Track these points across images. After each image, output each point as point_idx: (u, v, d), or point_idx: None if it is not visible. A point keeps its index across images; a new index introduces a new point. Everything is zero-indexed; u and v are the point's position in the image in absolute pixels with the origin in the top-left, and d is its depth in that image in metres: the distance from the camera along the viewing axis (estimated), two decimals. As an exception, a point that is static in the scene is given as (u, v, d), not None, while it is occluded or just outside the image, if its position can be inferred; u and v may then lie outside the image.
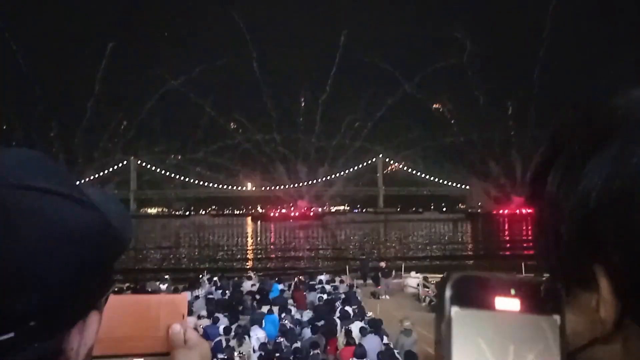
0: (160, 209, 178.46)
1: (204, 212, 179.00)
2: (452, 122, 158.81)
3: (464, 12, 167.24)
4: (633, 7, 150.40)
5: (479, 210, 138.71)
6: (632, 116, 0.44)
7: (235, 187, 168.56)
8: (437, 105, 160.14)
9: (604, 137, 0.44)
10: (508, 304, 0.43)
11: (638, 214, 0.40)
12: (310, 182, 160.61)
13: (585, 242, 0.44)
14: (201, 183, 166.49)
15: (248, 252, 53.07)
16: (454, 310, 0.42)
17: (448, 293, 0.43)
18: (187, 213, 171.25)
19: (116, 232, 0.67)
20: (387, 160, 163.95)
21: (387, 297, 21.55)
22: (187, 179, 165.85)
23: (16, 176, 0.58)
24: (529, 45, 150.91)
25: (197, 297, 17.96)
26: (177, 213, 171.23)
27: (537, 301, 0.42)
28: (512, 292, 0.43)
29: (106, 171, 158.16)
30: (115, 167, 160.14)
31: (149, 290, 18.99)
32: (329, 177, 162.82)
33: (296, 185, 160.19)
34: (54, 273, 0.55)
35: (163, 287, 19.91)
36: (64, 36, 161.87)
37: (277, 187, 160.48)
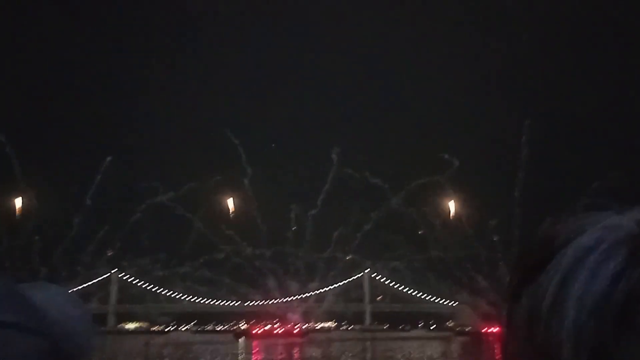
0: (139, 324, 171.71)
1: (184, 329, 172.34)
2: (437, 238, 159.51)
3: (449, 130, 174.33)
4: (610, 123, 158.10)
5: (467, 329, 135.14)
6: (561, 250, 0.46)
7: (221, 302, 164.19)
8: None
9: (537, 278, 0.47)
10: None
11: None
12: (296, 298, 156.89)
13: None
14: (186, 297, 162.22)
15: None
16: None
17: None
18: (167, 329, 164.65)
19: (66, 355, 0.64)
20: (373, 275, 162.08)
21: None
22: (172, 294, 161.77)
23: None
24: (509, 165, 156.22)
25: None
26: (155, 329, 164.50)
27: None
28: None
29: (88, 285, 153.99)
30: (96, 280, 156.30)
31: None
32: (315, 293, 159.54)
33: (282, 300, 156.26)
34: None
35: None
36: (59, 147, 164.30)
37: (263, 302, 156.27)
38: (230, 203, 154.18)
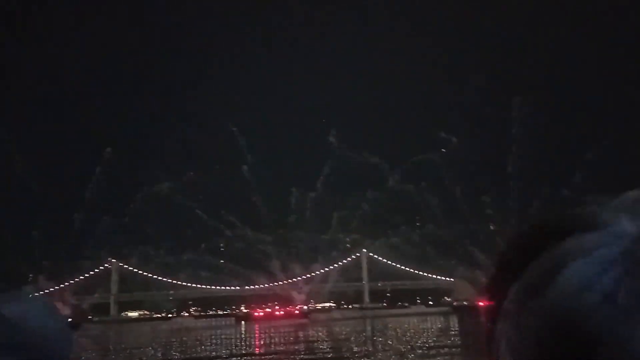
0: (142, 312, 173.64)
1: (186, 314, 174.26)
2: (437, 213, 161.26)
3: (444, 108, 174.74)
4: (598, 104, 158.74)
5: (464, 303, 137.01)
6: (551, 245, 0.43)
7: (223, 287, 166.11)
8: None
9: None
10: None
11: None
12: (295, 280, 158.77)
13: None
14: (189, 284, 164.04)
15: (232, 354, 51.50)
16: None
17: None
18: (169, 315, 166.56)
19: None
20: (371, 254, 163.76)
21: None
22: (175, 281, 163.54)
23: None
24: (502, 142, 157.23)
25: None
26: (157, 316, 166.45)
27: None
28: None
29: (89, 275, 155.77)
30: (97, 270, 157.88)
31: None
32: (314, 274, 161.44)
33: (283, 282, 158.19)
34: None
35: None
36: (60, 140, 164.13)
37: (264, 286, 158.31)
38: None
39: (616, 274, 0.40)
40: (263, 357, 46.10)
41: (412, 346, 48.42)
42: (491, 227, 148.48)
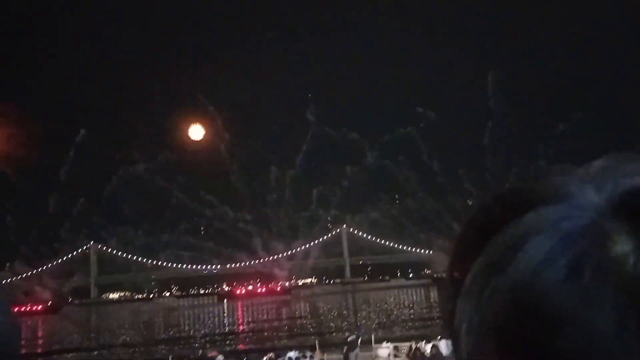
0: (123, 293, 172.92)
1: (168, 294, 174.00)
2: (415, 188, 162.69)
3: (421, 84, 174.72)
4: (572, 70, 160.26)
5: (444, 275, 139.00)
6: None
7: (204, 266, 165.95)
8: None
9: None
10: None
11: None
12: (276, 257, 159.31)
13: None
14: (170, 264, 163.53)
15: (215, 333, 51.62)
16: None
17: None
18: (151, 296, 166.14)
19: None
20: (351, 230, 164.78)
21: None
22: (155, 262, 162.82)
23: None
24: (478, 116, 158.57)
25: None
26: (139, 297, 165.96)
27: None
28: None
29: (67, 258, 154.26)
30: (75, 253, 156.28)
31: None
32: (295, 251, 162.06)
33: (263, 260, 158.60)
34: None
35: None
36: (34, 122, 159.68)
37: (245, 264, 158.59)
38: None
39: (580, 249, 0.38)
40: (247, 335, 46.25)
41: (393, 319, 49.06)
42: (469, 202, 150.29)
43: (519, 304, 0.38)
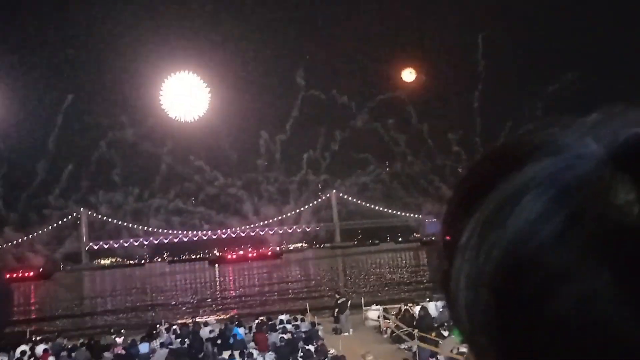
0: (115, 259, 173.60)
1: (159, 259, 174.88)
2: (404, 151, 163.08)
3: (411, 47, 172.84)
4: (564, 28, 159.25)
5: (432, 238, 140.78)
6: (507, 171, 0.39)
7: (194, 232, 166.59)
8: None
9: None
10: None
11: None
12: (267, 222, 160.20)
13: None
14: (160, 230, 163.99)
15: (207, 297, 52.08)
16: None
17: None
18: (142, 261, 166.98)
19: None
20: (340, 194, 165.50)
21: (349, 332, 21.58)
22: (146, 227, 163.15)
23: None
24: (468, 78, 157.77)
25: (157, 348, 17.58)
26: (130, 262, 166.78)
27: None
28: None
29: (57, 224, 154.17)
30: (65, 220, 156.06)
31: (106, 345, 18.45)
32: (285, 216, 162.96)
33: (254, 225, 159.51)
34: None
35: (119, 340, 19.36)
36: (19, 87, 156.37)
37: (237, 229, 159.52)
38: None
39: (580, 200, 0.36)
40: (238, 299, 46.69)
41: (383, 282, 49.69)
42: (459, 170, 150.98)
43: (516, 260, 0.37)
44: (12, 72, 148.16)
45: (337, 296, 24.67)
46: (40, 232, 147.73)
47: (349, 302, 23.41)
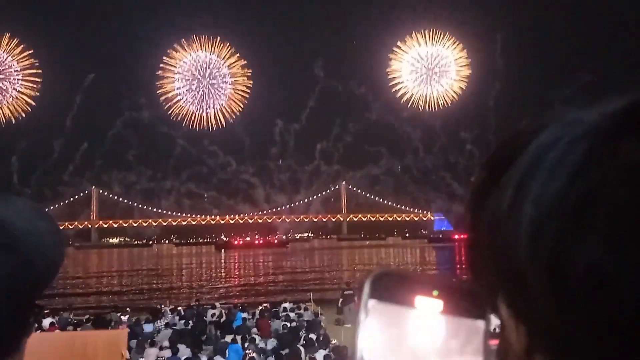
0: (123, 239, 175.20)
1: (166, 241, 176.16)
2: (417, 146, 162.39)
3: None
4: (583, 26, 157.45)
5: (440, 236, 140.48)
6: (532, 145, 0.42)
7: (204, 216, 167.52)
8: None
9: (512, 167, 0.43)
10: (430, 303, 0.42)
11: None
12: (276, 209, 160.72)
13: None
14: (170, 212, 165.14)
15: (212, 280, 52.49)
16: (371, 303, 0.41)
17: (367, 286, 0.41)
18: (150, 242, 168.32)
19: (36, 269, 0.63)
20: (350, 186, 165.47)
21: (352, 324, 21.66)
22: (156, 208, 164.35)
23: None
24: (485, 80, 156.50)
25: (162, 328, 17.80)
26: (138, 242, 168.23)
27: (461, 304, 0.41)
28: (435, 292, 0.42)
29: (69, 201, 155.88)
30: (77, 197, 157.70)
31: (111, 321, 18.69)
32: (294, 205, 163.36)
33: (263, 212, 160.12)
34: None
35: (124, 318, 19.61)
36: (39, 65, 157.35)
37: (246, 215, 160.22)
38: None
39: (588, 147, 0.39)
40: (242, 287, 46.95)
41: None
42: (473, 179, 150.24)
43: (541, 209, 0.39)
44: (38, 49, 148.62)
45: (345, 287, 24.80)
46: (52, 207, 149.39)
47: (355, 294, 23.36)
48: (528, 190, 0.40)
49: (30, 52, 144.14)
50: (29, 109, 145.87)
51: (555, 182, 0.39)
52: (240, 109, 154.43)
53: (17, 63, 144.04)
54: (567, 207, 0.38)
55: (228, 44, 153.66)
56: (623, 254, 0.35)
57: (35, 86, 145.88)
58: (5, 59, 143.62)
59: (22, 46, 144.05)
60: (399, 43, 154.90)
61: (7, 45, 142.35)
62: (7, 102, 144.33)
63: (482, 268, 0.45)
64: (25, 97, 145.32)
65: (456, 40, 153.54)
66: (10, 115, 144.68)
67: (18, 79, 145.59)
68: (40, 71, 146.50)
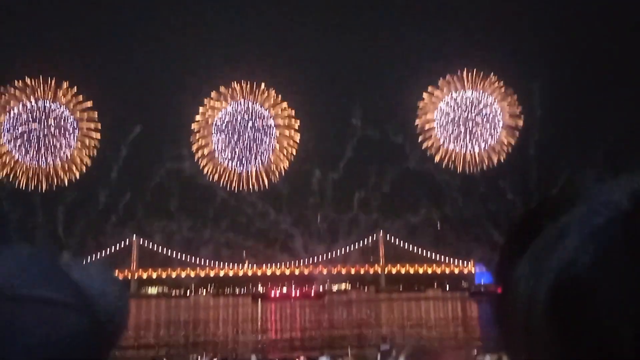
0: (161, 289, 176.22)
1: (204, 291, 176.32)
2: (456, 195, 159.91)
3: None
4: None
5: (482, 289, 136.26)
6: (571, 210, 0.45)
7: (241, 266, 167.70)
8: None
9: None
10: None
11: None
12: (313, 260, 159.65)
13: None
14: (209, 262, 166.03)
15: (248, 333, 51.88)
16: None
17: None
18: (187, 293, 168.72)
19: (106, 331, 0.68)
20: (388, 237, 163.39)
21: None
22: (195, 259, 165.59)
23: (10, 286, 0.61)
24: (526, 128, 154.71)
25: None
26: (176, 293, 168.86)
27: None
28: None
29: (110, 251, 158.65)
30: (119, 247, 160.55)
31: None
32: (331, 255, 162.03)
33: (301, 262, 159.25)
34: None
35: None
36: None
37: (283, 265, 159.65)
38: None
39: (607, 238, 0.42)
40: (279, 340, 46.16)
41: (431, 335, 48.03)
42: (510, 213, 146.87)
43: (561, 286, 0.43)
44: (96, 100, 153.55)
45: (382, 341, 24.14)
46: (94, 257, 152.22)
47: (393, 349, 22.83)
48: (548, 265, 0.44)
49: (89, 105, 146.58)
50: (83, 169, 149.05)
51: (585, 257, 0.42)
52: (286, 167, 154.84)
53: (75, 117, 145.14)
54: (580, 291, 0.42)
55: (274, 91, 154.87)
56: None
57: (93, 145, 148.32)
58: (62, 112, 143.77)
59: (80, 97, 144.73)
60: (429, 88, 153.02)
61: (63, 95, 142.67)
62: (62, 162, 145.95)
63: (510, 329, 0.49)
64: (82, 156, 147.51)
65: (503, 84, 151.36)
66: (63, 176, 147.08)
67: (75, 137, 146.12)
68: (100, 126, 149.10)
